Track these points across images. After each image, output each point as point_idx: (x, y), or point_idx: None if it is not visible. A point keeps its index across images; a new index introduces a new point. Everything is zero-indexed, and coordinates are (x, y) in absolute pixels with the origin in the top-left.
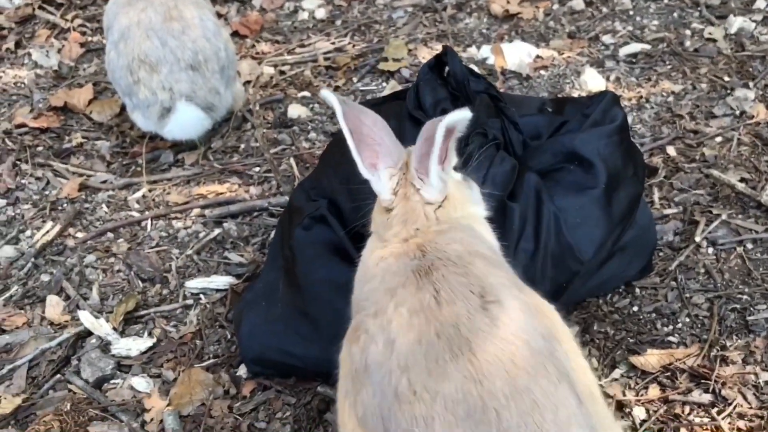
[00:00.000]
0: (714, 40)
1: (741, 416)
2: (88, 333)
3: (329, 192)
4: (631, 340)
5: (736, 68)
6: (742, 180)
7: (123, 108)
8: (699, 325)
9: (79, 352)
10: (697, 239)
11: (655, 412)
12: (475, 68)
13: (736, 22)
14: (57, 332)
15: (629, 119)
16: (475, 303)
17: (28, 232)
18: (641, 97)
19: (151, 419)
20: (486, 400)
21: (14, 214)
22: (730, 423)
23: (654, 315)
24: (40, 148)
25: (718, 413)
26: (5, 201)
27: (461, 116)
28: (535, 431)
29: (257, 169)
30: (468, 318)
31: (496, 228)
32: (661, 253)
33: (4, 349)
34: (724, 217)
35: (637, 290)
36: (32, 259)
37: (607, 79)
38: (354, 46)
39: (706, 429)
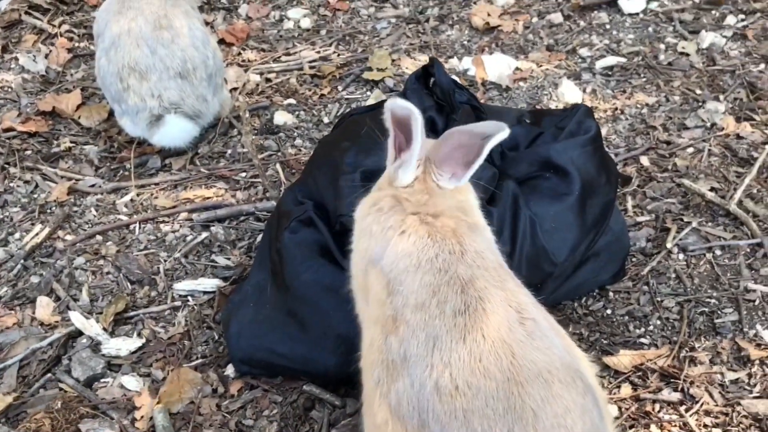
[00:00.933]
0: (687, 54)
1: (707, 413)
2: (79, 333)
3: (316, 193)
4: (604, 342)
5: (708, 82)
6: (712, 189)
7: (111, 113)
8: (669, 328)
9: (70, 351)
10: (669, 246)
11: (627, 409)
12: (457, 79)
13: (708, 38)
14: (47, 332)
15: (605, 130)
16: (514, 317)
17: (17, 235)
18: (616, 108)
19: (141, 417)
20: (525, 399)
21: (2, 217)
22: (697, 420)
23: (627, 318)
24: (28, 152)
25: (686, 411)
26: None
27: (503, 136)
28: None
29: (244, 174)
30: (509, 329)
31: None
32: (634, 259)
33: None
34: (694, 224)
35: (611, 294)
36: (21, 261)
37: (584, 91)
38: (339, 55)
39: (675, 426)
